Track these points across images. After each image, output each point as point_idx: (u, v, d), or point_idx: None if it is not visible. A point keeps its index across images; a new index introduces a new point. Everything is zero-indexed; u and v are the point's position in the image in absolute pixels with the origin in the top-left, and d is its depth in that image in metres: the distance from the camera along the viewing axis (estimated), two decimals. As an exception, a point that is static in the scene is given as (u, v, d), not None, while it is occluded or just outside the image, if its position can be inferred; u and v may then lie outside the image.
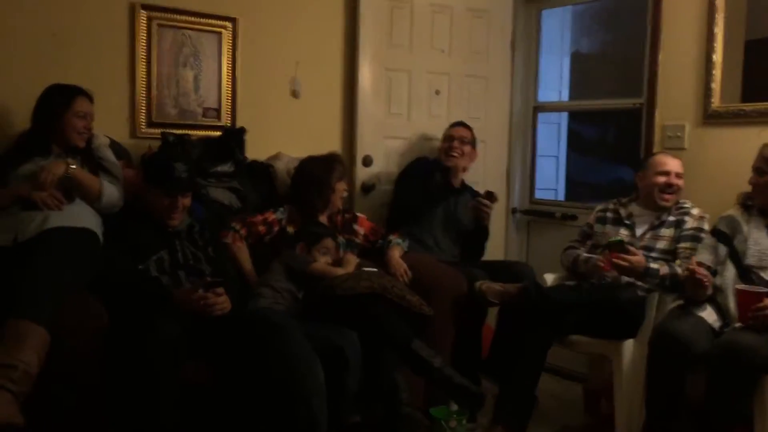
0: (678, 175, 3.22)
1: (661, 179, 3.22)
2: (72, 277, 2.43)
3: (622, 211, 3.31)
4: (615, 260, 2.99)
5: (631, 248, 3.02)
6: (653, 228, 3.19)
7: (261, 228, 3.14)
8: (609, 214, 3.36)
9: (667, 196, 3.21)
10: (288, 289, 2.90)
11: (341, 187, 3.31)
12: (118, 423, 2.39)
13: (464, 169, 3.74)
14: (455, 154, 3.69)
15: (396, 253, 3.33)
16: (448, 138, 3.75)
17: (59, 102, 2.76)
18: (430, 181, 3.66)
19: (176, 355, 2.36)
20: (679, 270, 3.00)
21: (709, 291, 2.82)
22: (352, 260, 3.14)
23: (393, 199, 3.81)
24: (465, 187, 3.77)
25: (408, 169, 3.82)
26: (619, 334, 3.04)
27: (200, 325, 2.52)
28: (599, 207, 3.44)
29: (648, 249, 3.14)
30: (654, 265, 3.01)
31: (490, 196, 3.56)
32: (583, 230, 3.46)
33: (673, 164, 3.24)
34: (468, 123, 3.82)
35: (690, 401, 2.72)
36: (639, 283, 3.06)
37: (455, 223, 3.67)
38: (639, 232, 3.22)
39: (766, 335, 2.57)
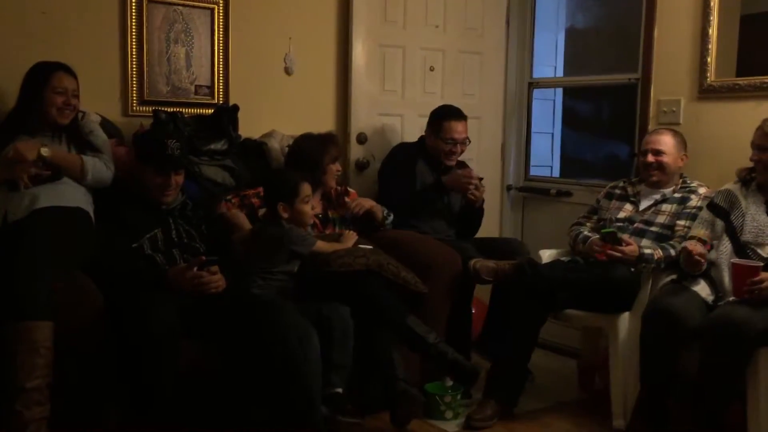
0: (657, 152, 3.21)
1: (641, 158, 3.26)
2: (66, 259, 2.43)
3: (630, 189, 3.33)
4: (609, 252, 3.00)
5: (624, 238, 3.03)
6: (656, 204, 3.21)
7: (255, 200, 3.11)
8: (617, 191, 3.38)
9: (652, 172, 3.23)
10: (281, 270, 2.88)
11: (334, 168, 3.27)
12: (119, 404, 2.41)
13: None
14: (455, 157, 3.62)
15: (367, 202, 3.34)
16: (450, 140, 3.55)
17: (38, 79, 2.71)
18: (423, 189, 3.55)
19: (174, 336, 2.37)
20: (672, 252, 3.00)
21: (704, 267, 2.83)
22: (351, 236, 3.11)
23: (380, 194, 3.65)
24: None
25: (390, 161, 3.69)
26: (614, 308, 3.05)
27: (196, 304, 2.52)
28: (610, 184, 3.47)
29: (647, 223, 3.16)
30: (647, 251, 3.01)
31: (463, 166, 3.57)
32: (592, 206, 3.48)
33: (654, 141, 3.24)
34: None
35: (684, 376, 2.74)
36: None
37: (449, 206, 3.65)
38: (642, 207, 3.24)
39: (760, 308, 2.59)
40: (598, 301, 3.07)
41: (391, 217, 3.43)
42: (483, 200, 3.61)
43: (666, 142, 3.23)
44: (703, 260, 2.79)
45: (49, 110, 2.71)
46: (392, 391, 2.80)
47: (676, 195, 3.20)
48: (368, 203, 3.38)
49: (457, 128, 3.57)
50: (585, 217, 3.44)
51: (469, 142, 3.67)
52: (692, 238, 2.93)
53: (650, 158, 3.22)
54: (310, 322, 2.61)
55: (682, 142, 3.26)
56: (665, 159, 3.21)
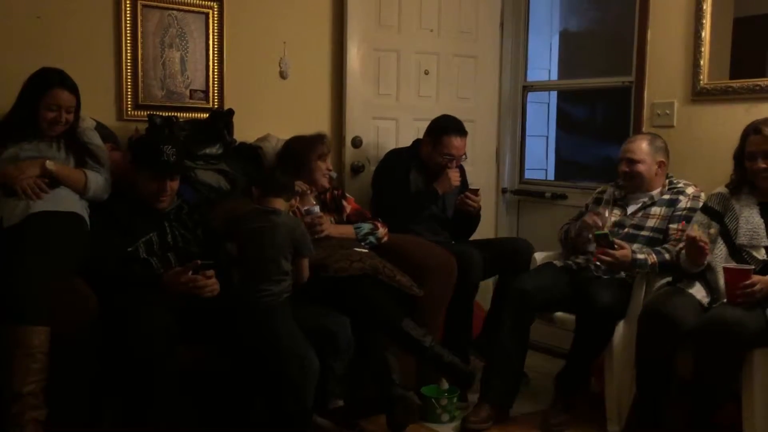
0: (631, 161, 3.16)
1: (619, 165, 3.23)
2: (61, 263, 2.43)
3: (617, 193, 3.31)
4: (600, 256, 2.96)
5: (618, 241, 3.00)
6: (644, 207, 3.19)
7: None
8: (605, 196, 3.34)
9: (626, 181, 3.21)
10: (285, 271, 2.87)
11: (322, 166, 3.23)
12: (114, 406, 2.41)
13: None
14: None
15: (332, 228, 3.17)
16: (447, 155, 3.49)
17: (34, 91, 2.70)
18: (417, 194, 3.53)
19: (169, 339, 2.37)
20: (667, 256, 2.98)
21: (707, 257, 2.79)
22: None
23: (373, 201, 3.66)
24: None
25: (383, 168, 3.67)
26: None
27: (191, 307, 2.52)
28: (598, 188, 3.45)
29: (638, 227, 3.15)
30: (641, 256, 2.98)
31: (475, 192, 3.54)
32: (580, 211, 3.46)
33: (628, 150, 3.19)
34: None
35: (680, 379, 2.74)
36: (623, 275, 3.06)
37: (443, 210, 3.65)
38: (630, 210, 3.22)
39: (753, 310, 2.60)
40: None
41: (372, 238, 3.24)
42: (480, 208, 3.61)
43: (639, 149, 3.17)
44: (706, 247, 2.74)
45: (41, 124, 2.70)
46: (389, 395, 2.80)
47: (664, 197, 3.17)
48: (331, 229, 3.16)
49: (456, 144, 3.51)
50: (573, 221, 3.43)
51: (465, 157, 3.63)
52: None
53: (624, 167, 3.19)
54: (310, 330, 2.61)
55: (661, 148, 3.20)
56: (639, 168, 3.16)
